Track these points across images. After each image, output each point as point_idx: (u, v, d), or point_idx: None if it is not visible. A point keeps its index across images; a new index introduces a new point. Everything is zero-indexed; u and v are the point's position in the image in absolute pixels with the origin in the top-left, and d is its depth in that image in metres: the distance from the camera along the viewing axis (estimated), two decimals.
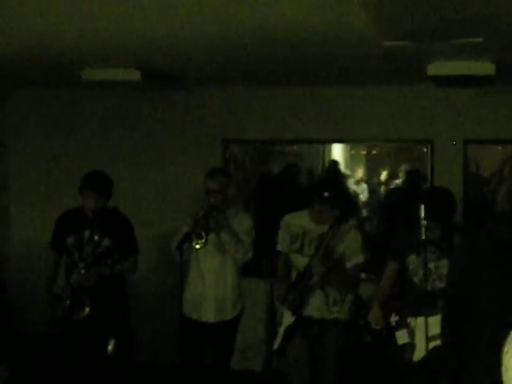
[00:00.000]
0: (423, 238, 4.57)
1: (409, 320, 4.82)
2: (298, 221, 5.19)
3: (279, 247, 5.31)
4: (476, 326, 2.96)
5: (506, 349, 0.92)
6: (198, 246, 5.08)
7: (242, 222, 5.32)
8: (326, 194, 4.96)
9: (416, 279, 4.78)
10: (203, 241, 5.06)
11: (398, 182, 9.19)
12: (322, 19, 3.76)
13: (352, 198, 8.92)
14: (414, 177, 8.56)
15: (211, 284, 5.34)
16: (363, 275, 5.94)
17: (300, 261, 5.12)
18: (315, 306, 5.08)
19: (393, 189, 9.39)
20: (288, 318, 5.16)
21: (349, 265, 5.02)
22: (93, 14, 3.72)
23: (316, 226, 5.09)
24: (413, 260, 4.78)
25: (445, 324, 3.46)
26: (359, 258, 5.05)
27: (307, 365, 5.20)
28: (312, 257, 5.00)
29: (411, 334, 4.79)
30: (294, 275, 5.18)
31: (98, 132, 7.44)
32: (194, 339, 5.36)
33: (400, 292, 5.02)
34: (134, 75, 5.65)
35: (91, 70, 5.71)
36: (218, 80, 6.69)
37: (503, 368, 0.91)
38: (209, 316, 5.34)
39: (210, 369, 5.44)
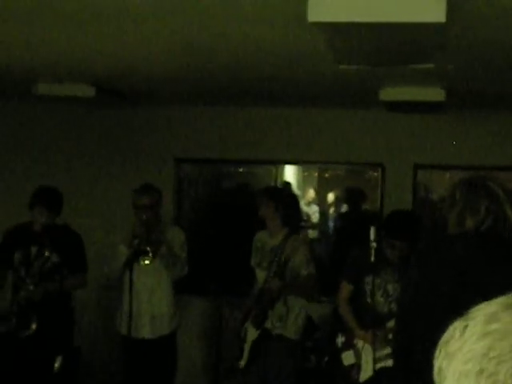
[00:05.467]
0: (373, 259, 4.62)
1: (355, 341, 4.84)
2: (260, 236, 5.42)
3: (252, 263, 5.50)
4: (426, 352, 2.97)
5: (437, 352, 0.95)
6: (147, 262, 5.11)
7: (175, 237, 5.37)
8: (274, 203, 5.22)
9: (370, 301, 4.79)
10: (150, 255, 5.09)
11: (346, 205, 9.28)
12: (278, 42, 3.81)
13: (301, 216, 9.00)
14: (353, 195, 8.71)
15: (146, 300, 5.36)
16: None
17: (260, 275, 5.30)
18: (270, 320, 5.21)
19: (343, 212, 9.49)
20: (252, 334, 5.25)
21: (302, 274, 5.14)
22: (49, 29, 3.70)
23: (270, 239, 5.25)
24: (370, 282, 4.78)
25: (395, 347, 3.49)
26: (311, 269, 5.13)
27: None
28: (268, 271, 5.11)
29: (358, 354, 4.81)
30: (256, 290, 5.32)
31: (49, 147, 7.33)
32: (134, 357, 5.37)
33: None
34: (89, 92, 5.56)
35: (44, 85, 5.64)
36: (172, 99, 6.69)
37: (436, 370, 0.94)
38: (145, 332, 5.34)
39: None
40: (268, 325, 5.17)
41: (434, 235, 4.19)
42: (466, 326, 0.92)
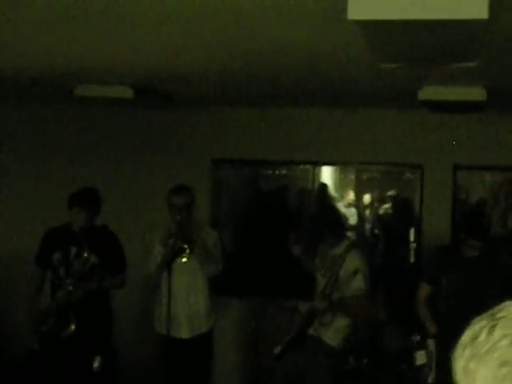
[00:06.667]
0: (412, 261, 4.60)
1: (428, 342, 4.82)
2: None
3: None
4: None
5: (459, 351, 0.94)
6: (184, 260, 5.15)
7: (209, 236, 5.40)
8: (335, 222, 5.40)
9: (454, 300, 4.76)
10: (188, 252, 5.13)
11: (386, 206, 9.22)
12: (317, 40, 3.78)
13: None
14: (403, 206, 8.62)
15: (182, 300, 5.38)
16: None
17: (319, 279, 5.34)
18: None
19: (380, 214, 9.42)
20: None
21: (353, 289, 5.13)
22: (87, 32, 3.72)
23: (331, 248, 5.31)
24: (446, 282, 4.77)
25: (439, 344, 3.45)
26: (361, 285, 5.13)
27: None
28: (327, 283, 5.15)
29: (429, 355, 4.79)
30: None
31: (87, 149, 7.40)
32: (172, 356, 5.43)
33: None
34: (127, 93, 5.61)
35: (84, 87, 5.68)
36: (209, 100, 6.70)
37: (460, 370, 0.92)
38: (182, 332, 5.36)
39: None
40: (311, 331, 5.23)
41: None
42: (493, 326, 0.90)
